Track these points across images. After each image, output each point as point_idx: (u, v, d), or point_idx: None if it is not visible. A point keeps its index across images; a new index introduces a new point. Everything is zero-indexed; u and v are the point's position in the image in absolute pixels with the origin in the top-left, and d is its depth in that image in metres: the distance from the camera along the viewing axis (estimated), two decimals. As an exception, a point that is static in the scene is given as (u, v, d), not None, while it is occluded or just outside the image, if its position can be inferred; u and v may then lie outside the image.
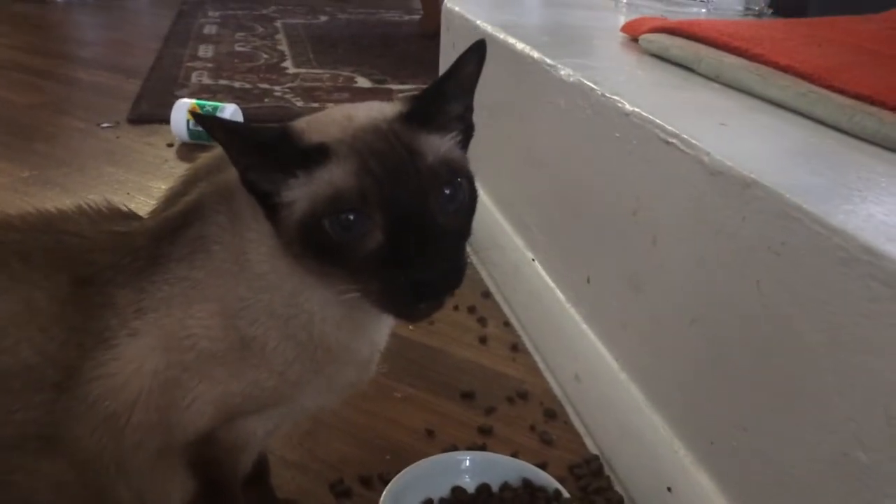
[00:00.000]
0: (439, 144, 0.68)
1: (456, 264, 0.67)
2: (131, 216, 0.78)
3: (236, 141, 0.65)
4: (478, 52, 0.70)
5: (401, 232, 0.64)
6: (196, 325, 0.70)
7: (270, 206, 0.67)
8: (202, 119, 0.64)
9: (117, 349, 0.69)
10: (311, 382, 0.75)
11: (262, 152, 0.65)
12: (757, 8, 1.85)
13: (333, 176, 0.65)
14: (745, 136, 0.93)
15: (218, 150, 0.77)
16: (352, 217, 0.64)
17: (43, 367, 0.68)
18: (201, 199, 0.72)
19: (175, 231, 0.71)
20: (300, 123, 0.70)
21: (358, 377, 0.78)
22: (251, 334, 0.71)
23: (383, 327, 0.79)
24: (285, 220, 0.66)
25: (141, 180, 1.94)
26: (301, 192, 0.66)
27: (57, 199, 1.83)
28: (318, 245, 0.65)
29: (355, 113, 0.71)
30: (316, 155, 0.65)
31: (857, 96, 0.92)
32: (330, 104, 2.60)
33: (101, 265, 0.71)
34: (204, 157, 0.78)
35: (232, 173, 0.71)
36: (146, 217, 0.77)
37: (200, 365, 0.70)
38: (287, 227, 0.66)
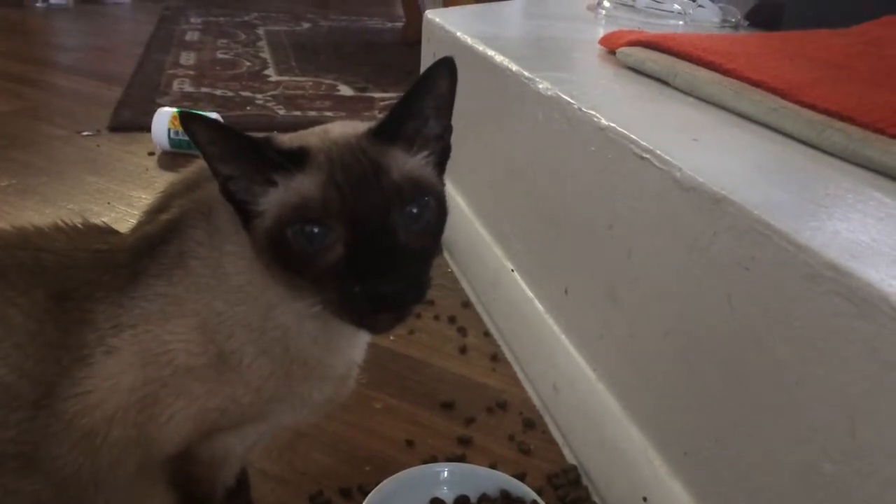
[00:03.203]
0: (405, 161, 0.69)
1: (416, 280, 0.67)
2: (108, 231, 0.78)
3: (218, 139, 0.64)
4: (447, 69, 0.69)
5: (360, 245, 0.64)
6: (174, 341, 0.70)
7: (247, 216, 0.67)
8: (185, 117, 0.63)
9: (93, 367, 0.69)
10: (287, 398, 0.75)
11: (243, 152, 0.65)
12: (733, 20, 1.88)
13: (302, 185, 0.65)
14: (717, 152, 0.95)
15: (195, 167, 0.78)
16: (314, 229, 0.64)
17: (19, 385, 0.68)
18: (180, 215, 0.73)
19: (154, 247, 0.72)
20: (282, 136, 0.71)
21: (335, 393, 0.79)
22: (228, 349, 0.71)
23: (360, 342, 0.79)
24: (256, 228, 0.67)
25: (122, 189, 1.93)
26: (275, 200, 0.66)
27: (37, 209, 1.83)
28: (283, 255, 0.66)
29: (332, 128, 0.72)
30: (295, 159, 0.66)
31: (827, 112, 0.95)
32: (312, 112, 2.61)
33: (79, 281, 0.71)
34: (182, 173, 0.79)
35: (211, 189, 0.71)
36: (125, 233, 0.77)
37: (178, 380, 0.71)
38: (258, 235, 0.67)
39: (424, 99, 0.70)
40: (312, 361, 0.74)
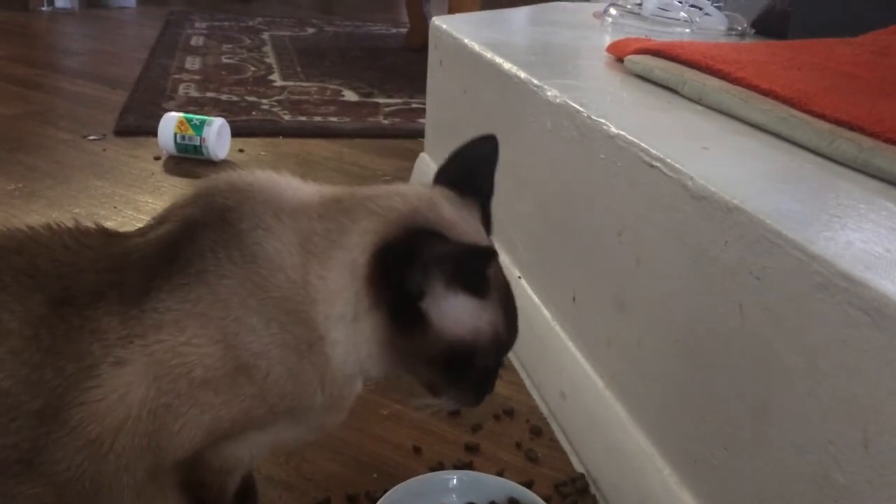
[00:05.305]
0: None
1: None
2: (105, 234, 0.76)
3: (451, 260, 0.70)
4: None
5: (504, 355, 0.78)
6: (192, 353, 0.69)
7: (403, 311, 0.72)
8: (468, 253, 0.72)
9: (101, 377, 0.68)
10: (292, 417, 0.76)
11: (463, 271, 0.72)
12: (740, 28, 1.88)
13: (492, 316, 0.74)
14: (727, 161, 0.95)
15: (203, 185, 0.77)
16: (494, 358, 0.76)
17: (17, 391, 0.67)
18: (194, 233, 0.72)
19: (166, 261, 0.71)
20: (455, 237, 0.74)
21: (332, 422, 0.80)
22: (253, 363, 0.71)
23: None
24: (421, 334, 0.72)
25: (128, 193, 1.94)
26: (452, 312, 0.72)
27: (43, 213, 1.83)
28: (449, 364, 0.74)
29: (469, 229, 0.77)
30: (487, 285, 0.74)
31: (837, 121, 0.95)
32: (317, 117, 2.61)
33: (81, 290, 0.70)
34: (190, 191, 0.78)
35: (233, 222, 0.72)
36: (126, 239, 0.75)
37: (194, 391, 0.70)
38: (424, 337, 0.72)
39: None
40: (335, 391, 0.76)
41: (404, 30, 4.05)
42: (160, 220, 0.76)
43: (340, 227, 0.73)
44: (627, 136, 0.99)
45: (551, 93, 1.20)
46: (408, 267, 0.70)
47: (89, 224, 0.77)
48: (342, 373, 0.74)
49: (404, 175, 2.09)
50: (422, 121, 2.13)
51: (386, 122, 2.63)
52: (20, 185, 1.95)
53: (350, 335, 0.73)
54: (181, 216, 0.75)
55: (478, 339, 0.73)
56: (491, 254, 0.73)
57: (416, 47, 3.55)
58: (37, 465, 0.69)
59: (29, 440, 0.68)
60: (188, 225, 0.73)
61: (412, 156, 2.08)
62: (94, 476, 0.70)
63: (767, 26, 1.88)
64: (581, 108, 1.11)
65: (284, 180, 0.78)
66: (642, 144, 0.95)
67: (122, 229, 0.79)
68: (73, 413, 0.68)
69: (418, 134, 2.15)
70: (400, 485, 0.93)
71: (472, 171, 0.82)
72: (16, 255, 0.72)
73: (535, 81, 1.26)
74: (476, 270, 0.73)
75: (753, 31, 1.89)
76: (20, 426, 0.68)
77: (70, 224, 0.76)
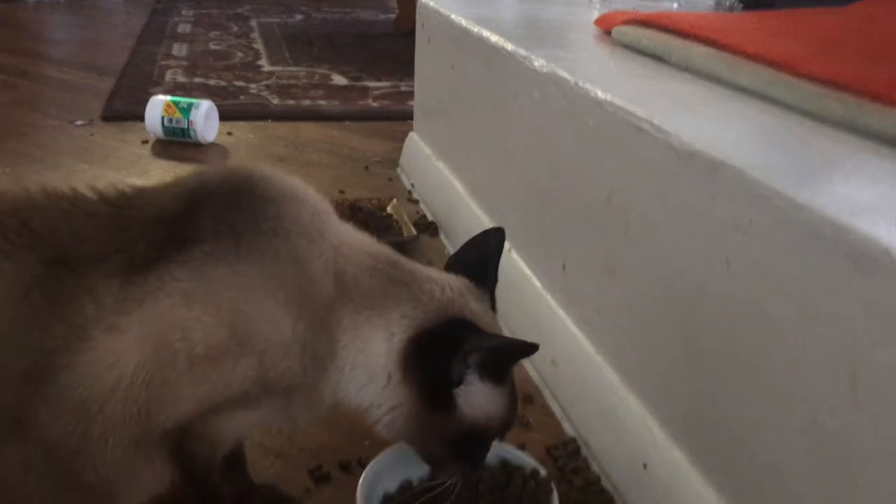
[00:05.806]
0: None
1: None
2: (105, 199, 0.75)
3: (493, 356, 0.76)
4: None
5: None
6: (197, 329, 0.69)
7: (440, 388, 0.76)
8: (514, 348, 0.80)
9: (93, 341, 0.68)
10: (279, 403, 0.77)
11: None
12: (728, 2, 1.88)
13: (505, 402, 0.79)
14: (714, 122, 0.95)
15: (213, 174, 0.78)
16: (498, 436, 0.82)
17: (4, 352, 0.67)
18: (215, 211, 0.72)
19: (183, 235, 0.71)
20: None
21: (307, 420, 0.83)
22: (264, 349, 0.72)
23: None
24: (450, 410, 0.76)
25: (116, 177, 1.93)
26: (477, 399, 0.77)
27: (31, 196, 1.82)
28: (462, 442, 0.79)
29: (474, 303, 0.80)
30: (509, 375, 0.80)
31: (823, 82, 0.95)
32: (306, 101, 2.60)
33: (81, 252, 0.70)
34: (216, 167, 0.79)
35: (272, 216, 0.73)
36: (130, 204, 0.75)
37: (193, 367, 0.70)
38: (448, 417, 0.77)
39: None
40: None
41: (393, 16, 4.04)
42: (173, 187, 0.76)
43: (384, 294, 0.76)
44: (615, 101, 0.99)
45: (538, 63, 1.20)
46: (450, 355, 0.74)
47: (85, 192, 0.76)
48: (332, 395, 0.78)
49: (395, 156, 2.09)
50: (411, 103, 2.12)
51: (375, 104, 2.62)
52: (7, 170, 1.93)
53: (377, 396, 0.77)
54: (201, 189, 0.75)
55: (491, 424, 0.79)
56: (532, 348, 0.75)
57: (405, 31, 3.54)
58: (26, 425, 0.68)
59: (16, 400, 0.68)
60: (208, 200, 0.73)
61: (402, 137, 2.07)
62: (80, 439, 0.69)
63: (755, 1, 1.88)
64: (568, 77, 1.11)
65: (331, 209, 0.81)
66: (629, 108, 0.95)
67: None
68: (61, 374, 0.68)
69: (407, 116, 2.15)
70: (390, 448, 0.93)
71: (481, 262, 0.84)
72: (9, 219, 0.71)
73: (522, 52, 1.26)
74: (510, 364, 0.79)
75: (741, 5, 1.89)
76: (6, 386, 0.67)
77: (67, 190, 0.75)
